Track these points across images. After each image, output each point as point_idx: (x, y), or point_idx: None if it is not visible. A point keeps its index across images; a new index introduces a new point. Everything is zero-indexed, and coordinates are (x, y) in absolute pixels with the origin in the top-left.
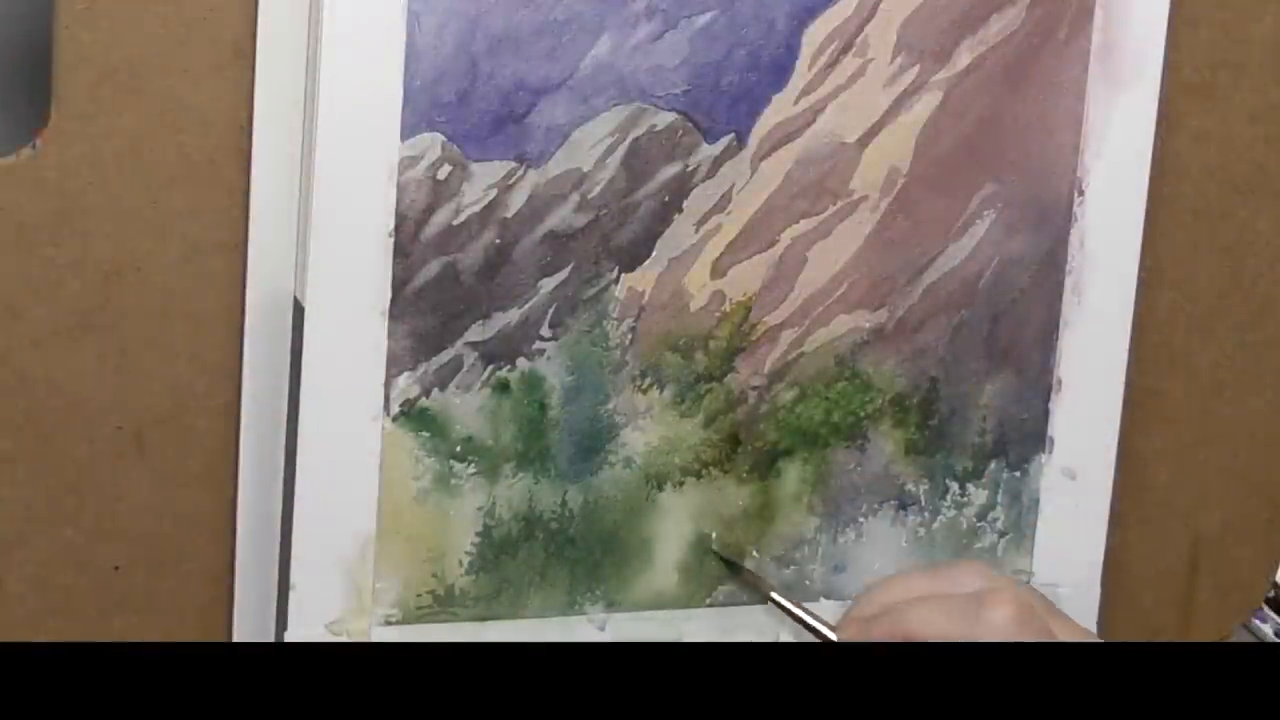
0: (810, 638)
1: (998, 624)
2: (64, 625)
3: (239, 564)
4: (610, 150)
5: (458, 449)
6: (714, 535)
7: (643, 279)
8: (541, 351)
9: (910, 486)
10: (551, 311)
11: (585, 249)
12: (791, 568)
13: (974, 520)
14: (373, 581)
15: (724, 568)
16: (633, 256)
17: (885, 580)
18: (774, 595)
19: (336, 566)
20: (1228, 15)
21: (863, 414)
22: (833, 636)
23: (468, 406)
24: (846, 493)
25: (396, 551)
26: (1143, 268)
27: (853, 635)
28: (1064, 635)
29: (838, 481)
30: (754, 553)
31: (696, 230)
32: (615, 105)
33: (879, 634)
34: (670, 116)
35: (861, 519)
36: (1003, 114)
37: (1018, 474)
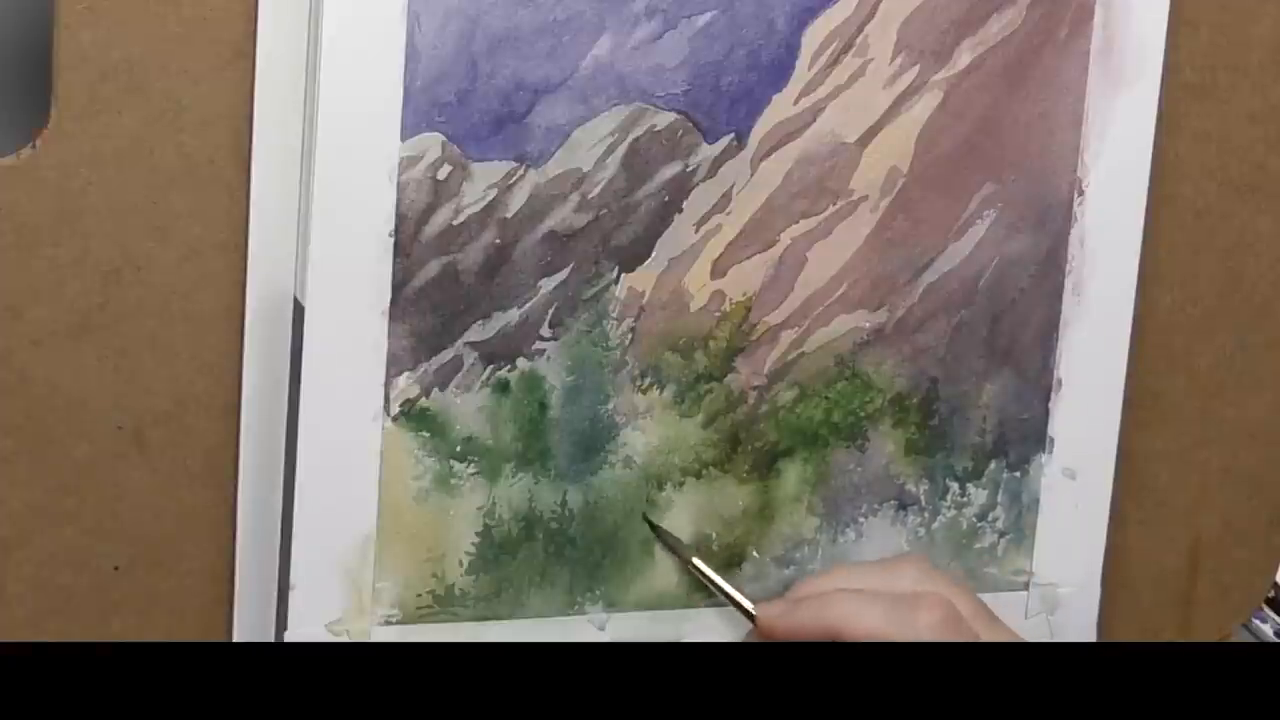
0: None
1: (922, 628)
2: (64, 625)
3: (239, 564)
4: (610, 150)
5: (458, 449)
6: (645, 513)
7: (643, 279)
8: (541, 351)
9: (910, 486)
10: (551, 311)
11: (585, 249)
12: (791, 568)
13: (974, 520)
14: (373, 581)
15: (649, 530)
16: (633, 256)
17: (828, 570)
18: (695, 561)
19: (336, 566)
20: (1228, 15)
21: (863, 414)
22: (753, 610)
23: (468, 406)
24: (846, 493)
25: (396, 551)
26: (1143, 268)
27: (774, 614)
28: (997, 638)
29: (838, 481)
30: (754, 553)
31: (696, 230)
32: (615, 105)
33: (803, 618)
34: (670, 116)
35: (861, 519)
36: (1003, 114)
37: (1018, 474)
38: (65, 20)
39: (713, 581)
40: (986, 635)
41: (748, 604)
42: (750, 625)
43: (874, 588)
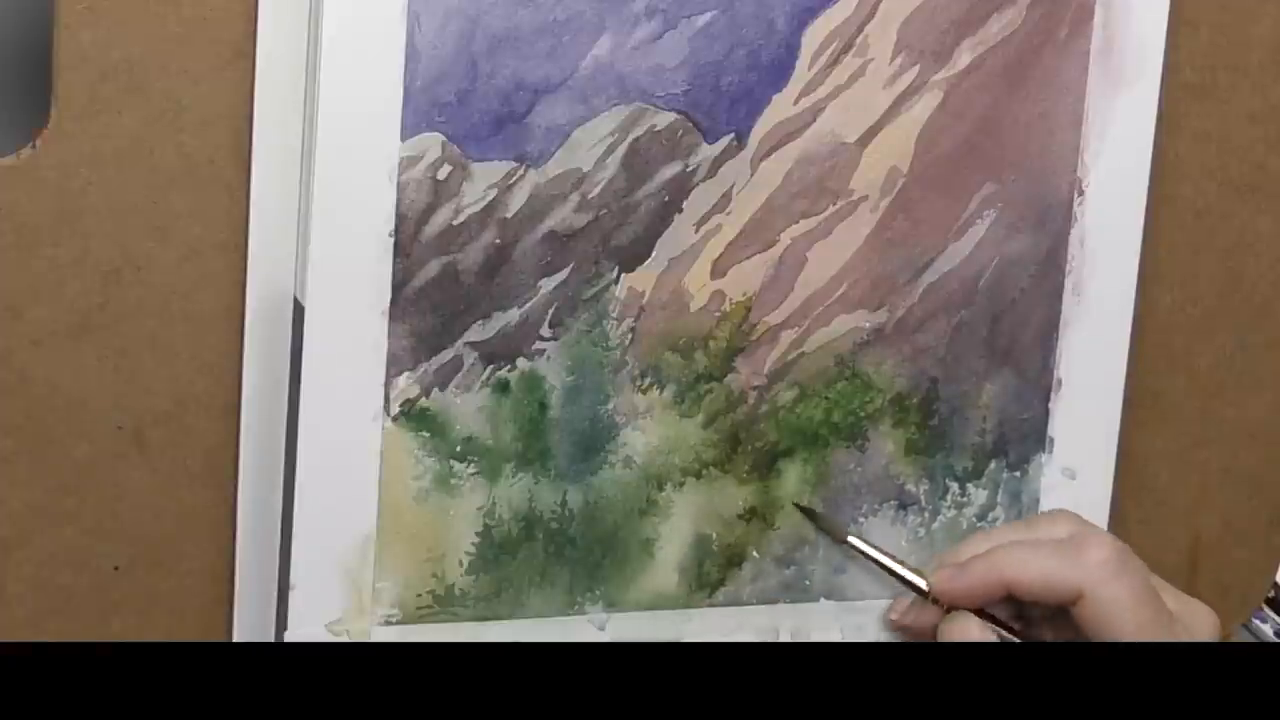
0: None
1: (1094, 567)
2: (64, 625)
3: (239, 564)
4: (610, 150)
5: (458, 449)
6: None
7: (643, 279)
8: (541, 351)
9: (910, 486)
10: (551, 311)
11: (585, 249)
12: (792, 568)
13: (974, 520)
14: (373, 581)
15: (801, 514)
16: (633, 256)
17: (975, 533)
18: (851, 539)
19: (336, 566)
20: (1228, 15)
21: (863, 414)
22: (922, 583)
23: (468, 406)
24: (846, 493)
25: (396, 551)
26: (1143, 268)
27: (945, 579)
28: (1157, 584)
29: (838, 481)
30: (754, 553)
31: (696, 230)
32: (615, 105)
33: (974, 578)
34: (670, 116)
35: (861, 519)
36: (1003, 114)
37: (1018, 474)
38: (65, 20)
39: (873, 558)
40: (1153, 577)
41: (916, 578)
42: (914, 596)
43: (1032, 538)
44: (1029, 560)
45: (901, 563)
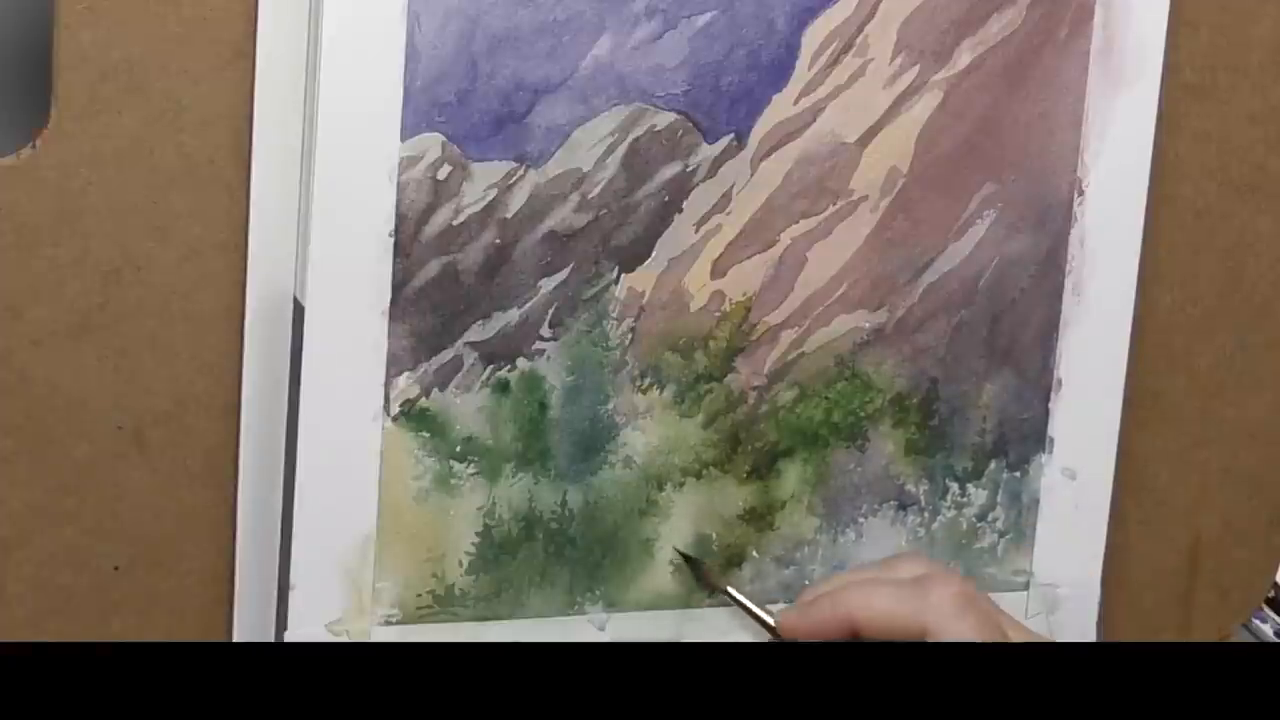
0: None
1: (935, 602)
2: (64, 625)
3: (239, 564)
4: (610, 150)
5: (458, 449)
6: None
7: (643, 279)
8: (541, 351)
9: (910, 486)
10: (551, 311)
11: (585, 249)
12: (791, 568)
13: (974, 520)
14: (373, 581)
15: (681, 559)
16: (633, 256)
17: (830, 574)
18: (730, 590)
19: (336, 566)
20: (1228, 15)
21: (863, 414)
22: (773, 623)
23: (468, 406)
24: (846, 493)
25: (396, 551)
26: (1143, 268)
27: (791, 619)
28: (1005, 624)
29: (838, 481)
30: (754, 553)
31: (696, 230)
32: (615, 105)
33: (819, 614)
34: (670, 116)
35: (861, 519)
36: (1003, 114)
37: (1018, 474)
38: (65, 20)
39: (742, 604)
40: (1001, 618)
41: (770, 619)
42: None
43: (878, 578)
44: (873, 599)
45: (763, 608)
